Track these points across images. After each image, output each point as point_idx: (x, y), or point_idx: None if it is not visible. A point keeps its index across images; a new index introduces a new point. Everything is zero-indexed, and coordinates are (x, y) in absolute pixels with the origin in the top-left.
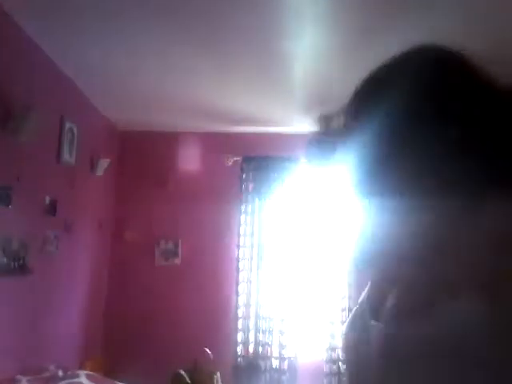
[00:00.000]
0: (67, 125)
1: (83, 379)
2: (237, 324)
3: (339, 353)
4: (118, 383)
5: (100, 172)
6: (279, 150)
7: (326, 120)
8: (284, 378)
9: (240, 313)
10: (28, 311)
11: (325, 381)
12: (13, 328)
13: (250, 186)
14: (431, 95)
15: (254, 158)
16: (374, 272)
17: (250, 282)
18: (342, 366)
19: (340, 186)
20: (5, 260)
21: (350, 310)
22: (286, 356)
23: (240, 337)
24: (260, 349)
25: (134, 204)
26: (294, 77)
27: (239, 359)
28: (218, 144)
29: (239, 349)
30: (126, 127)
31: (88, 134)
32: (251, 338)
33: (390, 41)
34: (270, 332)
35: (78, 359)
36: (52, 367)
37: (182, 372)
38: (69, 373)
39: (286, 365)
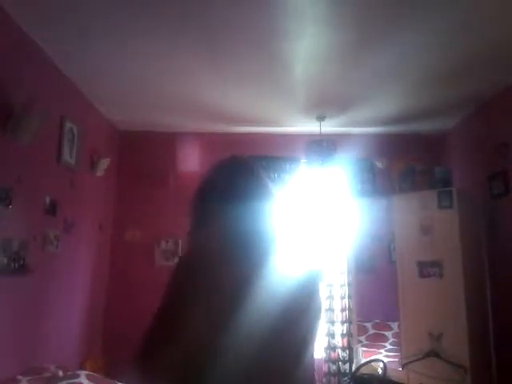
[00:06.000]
0: (67, 125)
1: (83, 379)
2: None
3: (339, 352)
4: (118, 383)
5: (100, 172)
6: (279, 150)
7: None
8: None
9: None
10: (28, 311)
11: (324, 380)
12: (13, 328)
13: None
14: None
15: (254, 158)
16: None
17: None
18: (343, 366)
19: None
20: (5, 260)
21: (350, 309)
22: None
23: None
24: None
25: (134, 204)
26: (294, 77)
27: None
28: (218, 144)
29: None
30: (126, 127)
31: (88, 134)
32: None
33: (389, 41)
34: None
35: (78, 359)
36: (52, 367)
37: None
38: (69, 373)
39: None
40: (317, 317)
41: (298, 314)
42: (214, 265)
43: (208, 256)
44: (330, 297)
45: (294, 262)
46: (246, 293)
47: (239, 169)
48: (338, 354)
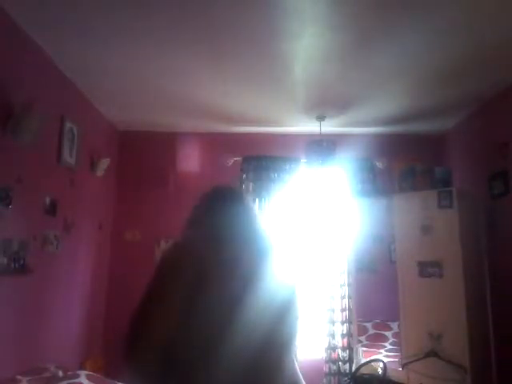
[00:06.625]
0: (67, 125)
1: (83, 379)
2: None
3: (339, 352)
4: (118, 383)
5: (100, 172)
6: (279, 150)
7: None
8: None
9: None
10: (28, 311)
11: (324, 380)
12: (13, 328)
13: (250, 185)
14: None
15: (254, 157)
16: None
17: None
18: (343, 366)
19: (336, 187)
20: (5, 260)
21: (350, 309)
22: None
23: None
24: None
25: (134, 204)
26: (294, 77)
27: None
28: (218, 144)
29: None
30: (126, 127)
31: (88, 134)
32: None
33: (389, 41)
34: None
35: (78, 359)
36: (52, 367)
37: None
38: (69, 373)
39: None
40: (294, 330)
41: (275, 326)
42: (197, 264)
43: (193, 254)
44: (330, 297)
45: (275, 274)
46: (227, 303)
47: (229, 190)
48: (338, 354)
